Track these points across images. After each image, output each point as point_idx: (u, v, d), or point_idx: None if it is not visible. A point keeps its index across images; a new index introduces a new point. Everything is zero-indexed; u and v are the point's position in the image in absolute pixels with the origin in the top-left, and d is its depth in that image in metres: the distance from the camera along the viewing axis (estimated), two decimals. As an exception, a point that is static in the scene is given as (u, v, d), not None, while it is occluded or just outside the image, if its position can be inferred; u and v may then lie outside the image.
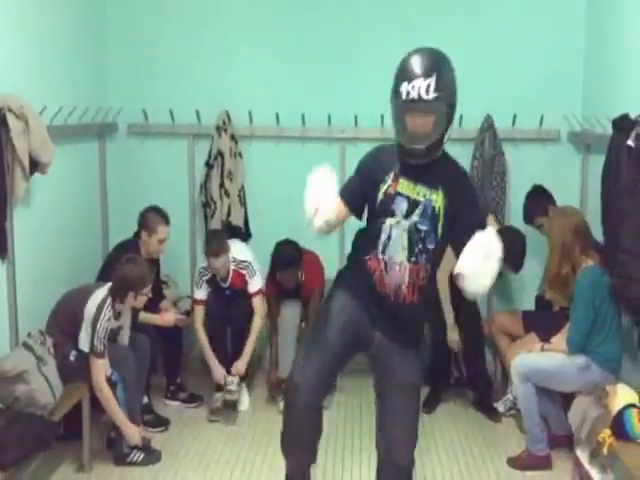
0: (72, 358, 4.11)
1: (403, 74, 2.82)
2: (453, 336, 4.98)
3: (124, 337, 4.44)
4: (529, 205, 5.09)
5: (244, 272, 5.01)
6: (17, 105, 3.82)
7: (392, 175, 2.95)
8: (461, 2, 5.54)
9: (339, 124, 5.54)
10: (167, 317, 4.91)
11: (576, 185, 5.42)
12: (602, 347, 4.05)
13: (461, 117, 5.36)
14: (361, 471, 4.25)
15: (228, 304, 5.05)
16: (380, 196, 2.96)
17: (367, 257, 3.02)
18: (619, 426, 3.54)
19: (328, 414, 4.44)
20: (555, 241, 4.15)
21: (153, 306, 4.79)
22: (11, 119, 3.78)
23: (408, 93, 2.78)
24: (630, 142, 3.91)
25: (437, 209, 2.93)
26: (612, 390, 3.77)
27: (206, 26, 5.59)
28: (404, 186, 2.94)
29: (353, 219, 3.19)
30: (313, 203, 2.96)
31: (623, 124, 4.06)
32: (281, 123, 5.57)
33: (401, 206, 2.93)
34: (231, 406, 5.00)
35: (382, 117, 5.29)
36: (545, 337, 4.42)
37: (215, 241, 4.93)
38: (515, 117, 5.44)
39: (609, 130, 4.28)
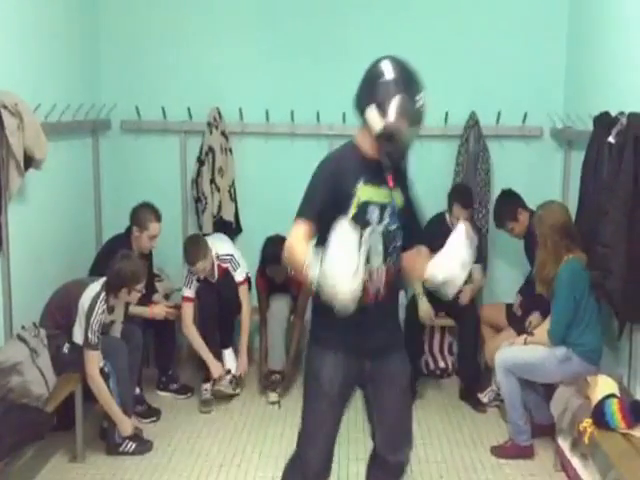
0: (65, 350, 4.15)
1: (408, 85, 2.77)
2: (424, 307, 4.99)
3: (116, 331, 4.49)
4: (499, 210, 5.11)
5: (227, 265, 5.10)
6: (12, 102, 3.86)
7: (360, 185, 2.83)
8: (447, 2, 5.60)
9: (327, 121, 5.59)
10: (157, 310, 4.97)
11: (558, 181, 5.49)
12: (583, 339, 4.10)
13: (447, 114, 5.48)
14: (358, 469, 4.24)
15: (219, 293, 5.13)
16: (353, 210, 2.81)
17: None
18: (600, 416, 3.59)
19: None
20: (546, 239, 4.17)
21: (145, 299, 4.83)
22: (6, 116, 3.81)
23: (422, 105, 2.79)
24: (611, 139, 3.98)
25: (399, 206, 2.93)
26: (593, 380, 3.83)
27: (198, 25, 5.65)
28: (372, 193, 2.85)
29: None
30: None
31: (604, 121, 4.15)
32: (271, 120, 5.63)
33: (374, 215, 2.86)
34: (221, 397, 5.07)
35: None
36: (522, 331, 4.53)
37: (192, 249, 4.94)
38: (499, 114, 5.51)
39: (590, 127, 4.36)
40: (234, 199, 5.65)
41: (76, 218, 5.24)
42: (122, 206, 5.17)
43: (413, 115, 2.77)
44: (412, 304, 5.15)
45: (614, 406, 3.59)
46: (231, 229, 5.61)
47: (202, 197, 5.54)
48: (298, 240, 2.77)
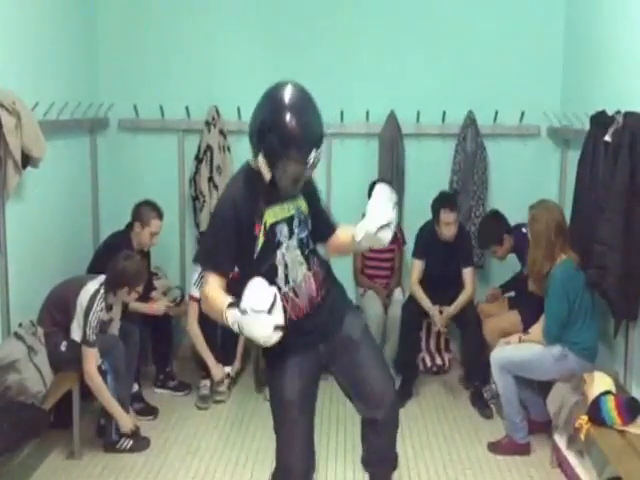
0: (63, 348, 4.15)
1: (298, 149, 2.78)
2: (437, 319, 5.01)
3: (114, 329, 4.50)
4: (485, 232, 5.08)
5: None
6: (9, 101, 3.85)
7: (262, 213, 2.84)
8: (445, 2, 5.60)
9: (325, 120, 5.55)
10: (157, 306, 4.99)
11: (555, 179, 5.51)
12: (579, 337, 4.10)
13: (444, 113, 5.49)
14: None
15: None
16: (261, 240, 2.84)
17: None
18: (596, 412, 3.61)
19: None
20: (540, 238, 4.17)
21: (144, 296, 4.82)
22: (4, 115, 3.81)
23: (315, 161, 2.84)
24: (607, 138, 3.99)
25: (304, 212, 2.98)
26: (589, 377, 3.84)
27: (196, 23, 5.65)
28: (277, 212, 2.88)
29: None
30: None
31: (600, 120, 4.16)
32: (269, 119, 5.63)
33: (284, 232, 2.89)
34: (217, 401, 5.07)
35: (367, 113, 5.41)
36: (528, 317, 4.52)
37: None
38: (496, 113, 5.53)
39: (587, 126, 4.37)
40: (232, 198, 5.64)
41: (74, 216, 5.25)
42: (120, 204, 5.18)
43: (304, 173, 2.78)
44: (409, 302, 5.15)
45: (610, 403, 3.61)
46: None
47: (200, 195, 5.56)
48: (213, 289, 2.81)
